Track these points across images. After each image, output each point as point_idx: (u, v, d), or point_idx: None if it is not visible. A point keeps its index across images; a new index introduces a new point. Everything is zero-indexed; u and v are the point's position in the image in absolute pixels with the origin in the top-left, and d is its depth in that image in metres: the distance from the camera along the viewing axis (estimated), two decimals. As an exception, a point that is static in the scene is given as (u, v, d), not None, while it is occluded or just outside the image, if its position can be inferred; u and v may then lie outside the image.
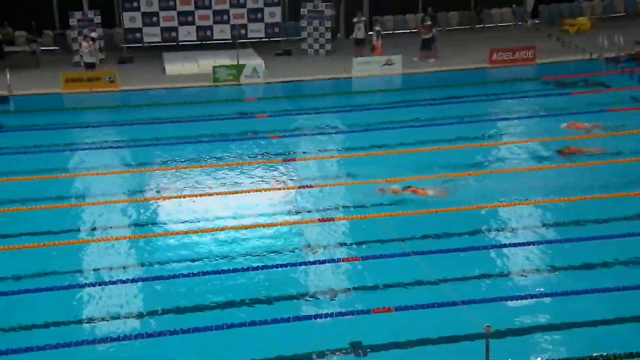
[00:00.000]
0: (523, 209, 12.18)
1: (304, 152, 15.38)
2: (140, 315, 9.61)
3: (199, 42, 22.47)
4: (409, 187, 12.66)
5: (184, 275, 10.44)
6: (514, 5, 24.23)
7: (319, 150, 15.32)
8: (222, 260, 10.90)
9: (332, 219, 12.08)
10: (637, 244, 10.86)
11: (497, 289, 9.94)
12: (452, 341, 8.84)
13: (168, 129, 16.70)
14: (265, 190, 13.33)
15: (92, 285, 10.30)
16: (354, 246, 11.27)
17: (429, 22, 21.27)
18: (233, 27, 21.88)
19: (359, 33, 21.60)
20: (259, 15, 22.44)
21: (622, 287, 9.71)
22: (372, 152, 14.96)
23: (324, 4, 22.46)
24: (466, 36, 24.06)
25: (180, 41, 22.36)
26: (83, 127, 17.11)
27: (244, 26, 22.27)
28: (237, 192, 13.21)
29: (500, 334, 8.62)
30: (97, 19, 21.51)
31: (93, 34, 20.51)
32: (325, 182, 13.55)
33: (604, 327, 9.02)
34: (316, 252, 11.13)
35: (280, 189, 13.48)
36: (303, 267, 10.70)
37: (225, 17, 22.30)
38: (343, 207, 12.58)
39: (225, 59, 20.83)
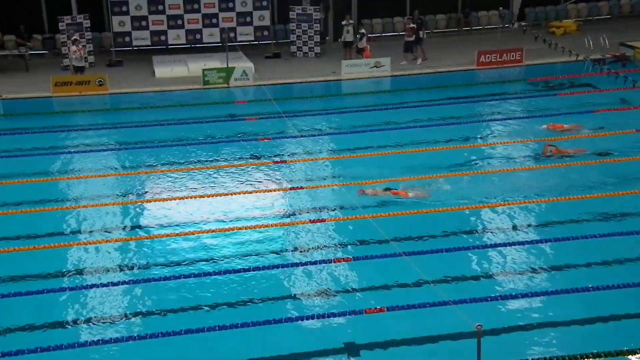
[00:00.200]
0: (508, 210, 12.32)
1: (294, 154, 15.45)
2: (130, 317, 9.63)
3: (189, 46, 22.49)
4: (389, 189, 12.79)
5: (174, 277, 10.47)
6: (500, 8, 24.45)
7: (309, 152, 15.40)
8: (212, 262, 10.94)
9: (322, 220, 12.16)
10: (619, 243, 11.00)
11: (487, 289, 10.06)
12: (444, 340, 8.95)
13: (157, 131, 16.71)
14: (255, 192, 13.40)
15: (80, 288, 10.31)
16: (345, 247, 11.36)
17: (411, 25, 21.49)
18: (222, 30, 21.92)
19: (347, 36, 21.73)
20: (248, 19, 22.50)
21: (605, 287, 9.85)
22: (361, 153, 15.07)
23: (312, 7, 22.57)
24: (454, 38, 24.26)
25: (170, 44, 22.36)
26: (73, 130, 17.08)
27: (233, 29, 22.32)
28: (227, 195, 13.25)
29: (491, 333, 8.71)
30: (87, 23, 21.46)
31: (76, 36, 20.40)
32: (316, 183, 13.64)
33: (594, 326, 9.16)
34: (307, 253, 11.20)
35: (270, 190, 13.54)
36: (294, 268, 10.77)
37: (214, 21, 22.33)
38: (333, 208, 12.67)
39: (214, 62, 20.86)
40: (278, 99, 18.80)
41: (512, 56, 21.25)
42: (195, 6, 22.14)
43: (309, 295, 10.07)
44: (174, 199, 13.13)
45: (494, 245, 11.25)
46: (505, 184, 13.35)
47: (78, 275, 10.72)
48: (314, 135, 16.40)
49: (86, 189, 13.80)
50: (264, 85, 19.97)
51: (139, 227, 12.27)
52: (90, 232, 12.03)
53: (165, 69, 20.92)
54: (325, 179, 13.96)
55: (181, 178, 14.15)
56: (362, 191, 12.89)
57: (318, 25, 22.55)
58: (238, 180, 13.99)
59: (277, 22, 23.53)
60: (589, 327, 9.19)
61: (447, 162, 14.22)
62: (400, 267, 10.55)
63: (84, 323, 9.51)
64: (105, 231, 12.02)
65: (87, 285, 10.43)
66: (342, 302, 9.86)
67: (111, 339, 9.11)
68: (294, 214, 12.53)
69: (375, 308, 9.55)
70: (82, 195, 13.56)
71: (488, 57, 21.20)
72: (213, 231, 11.84)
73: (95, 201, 13.11)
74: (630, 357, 8.46)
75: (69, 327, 9.47)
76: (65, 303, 9.99)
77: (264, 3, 22.50)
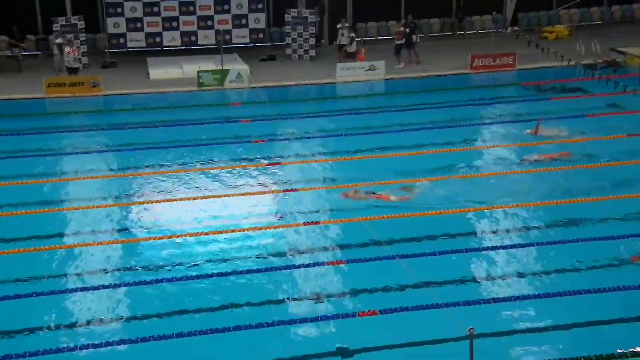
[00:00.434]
0: (498, 213, 12.38)
1: (288, 156, 15.48)
2: (123, 320, 9.62)
3: (184, 48, 22.50)
4: (372, 192, 12.85)
5: (166, 280, 10.46)
6: (494, 13, 24.61)
7: (303, 155, 15.44)
8: (206, 265, 10.94)
9: (316, 223, 12.20)
10: (604, 247, 11.06)
11: (480, 292, 10.13)
12: (436, 343, 8.99)
13: (151, 133, 16.70)
14: (249, 194, 13.41)
15: (75, 290, 10.28)
16: (339, 249, 11.40)
17: (401, 29, 21.62)
18: (218, 32, 21.95)
19: (342, 39, 21.80)
20: (244, 21, 22.53)
21: (593, 290, 9.92)
22: (355, 156, 15.12)
23: (308, 10, 22.63)
24: (448, 42, 24.38)
25: (165, 46, 22.37)
26: (66, 132, 17.03)
27: (229, 32, 22.35)
28: (221, 196, 13.26)
29: (484, 336, 8.76)
30: (81, 25, 21.44)
31: (59, 40, 20.32)
32: (310, 185, 13.68)
33: (586, 329, 9.23)
34: (301, 255, 11.23)
35: (264, 192, 13.57)
36: (287, 270, 10.78)
37: (209, 23, 22.35)
38: (327, 210, 12.71)
39: (209, 64, 20.88)
40: (273, 101, 18.85)
41: (505, 60, 21.39)
42: (191, 8, 22.16)
43: (301, 298, 10.09)
44: (168, 200, 13.13)
45: (486, 249, 11.32)
46: (495, 187, 13.44)
47: (65, 278, 10.67)
48: (308, 138, 16.44)
49: (78, 190, 13.77)
50: (258, 87, 20.00)
51: (131, 229, 12.24)
52: (84, 233, 12.00)
53: (160, 71, 20.92)
54: (319, 181, 14.01)
55: (175, 180, 14.14)
56: (346, 195, 12.93)
57: (313, 28, 22.62)
58: (232, 183, 14.00)
59: (273, 24, 23.59)
60: (583, 330, 9.25)
61: (437, 165, 14.27)
62: (393, 269, 10.59)
63: (65, 327, 9.44)
64: (97, 233, 11.99)
65: (74, 288, 10.37)
66: (335, 305, 9.88)
67: (92, 344, 9.04)
68: (287, 216, 12.56)
69: (368, 311, 9.58)
70: (75, 196, 13.53)
71: (481, 61, 21.34)
72: (206, 234, 11.84)
73: (88, 203, 13.08)
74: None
75: (51, 331, 9.40)
76: (50, 306, 9.90)
77: (260, 6, 22.56)
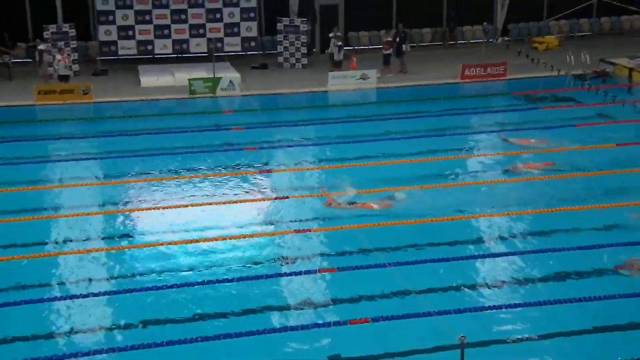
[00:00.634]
0: (486, 221, 12.43)
1: (280, 164, 15.49)
2: (116, 328, 9.55)
3: (175, 56, 22.49)
4: (354, 202, 12.84)
5: (157, 288, 10.40)
6: (485, 23, 24.80)
7: (295, 162, 15.44)
8: (197, 272, 10.89)
9: (308, 230, 12.19)
10: (585, 257, 11.10)
11: (471, 300, 10.13)
12: (427, 352, 8.98)
13: (142, 141, 16.65)
14: (241, 202, 13.38)
15: (64, 298, 10.20)
16: (330, 257, 11.38)
17: (389, 39, 21.75)
18: (210, 40, 21.97)
19: (333, 48, 21.86)
20: (236, 30, 22.57)
21: (581, 299, 9.97)
22: (346, 164, 15.14)
23: (299, 19, 22.71)
24: (439, 52, 24.52)
25: (156, 54, 22.35)
26: (56, 139, 16.96)
27: (221, 40, 22.38)
28: (213, 204, 13.23)
29: (474, 344, 8.75)
30: (72, 32, 21.40)
31: (41, 46, 20.22)
32: (301, 193, 13.66)
33: (575, 338, 9.24)
34: (292, 263, 11.20)
35: (255, 200, 13.55)
36: (279, 278, 10.76)
37: (201, 31, 22.37)
38: (319, 218, 12.69)
39: (201, 72, 20.88)
40: (264, 110, 18.85)
41: (496, 70, 21.53)
42: (183, 16, 22.18)
43: (292, 305, 10.04)
44: (159, 208, 13.07)
45: (476, 257, 11.34)
46: (484, 195, 13.49)
47: (66, 285, 10.59)
48: (300, 146, 16.45)
49: (69, 198, 13.69)
50: (250, 95, 20.01)
51: (122, 236, 12.17)
52: (74, 241, 11.92)
53: (151, 78, 20.89)
54: (310, 188, 14.00)
55: (165, 188, 14.10)
56: (329, 203, 12.93)
57: (305, 37, 22.68)
58: (223, 190, 13.97)
59: (265, 33, 23.64)
60: (572, 339, 9.26)
61: (427, 173, 14.30)
62: (384, 277, 10.58)
63: (59, 336, 9.37)
64: (87, 241, 11.93)
65: (65, 296, 10.28)
66: (327, 313, 9.85)
67: (80, 352, 8.95)
68: (278, 224, 12.54)
69: (360, 319, 9.56)
70: (65, 204, 13.45)
71: (472, 70, 21.47)
72: (197, 241, 11.80)
73: (78, 210, 13.00)
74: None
75: (30, 341, 9.28)
76: (30, 315, 9.79)
77: (252, 14, 22.61)
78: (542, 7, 25.77)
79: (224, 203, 13.29)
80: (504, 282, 10.64)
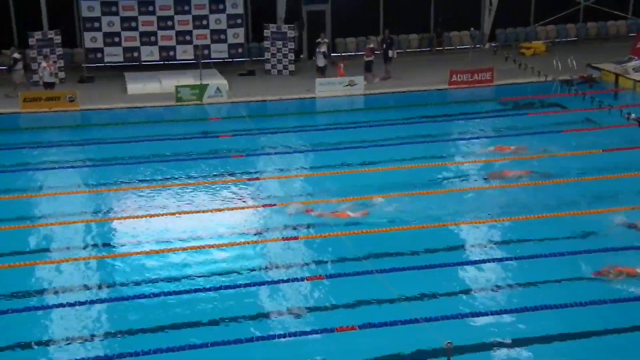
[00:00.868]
0: (474, 228, 12.42)
1: (267, 171, 15.43)
2: (103, 337, 9.46)
3: (162, 63, 22.40)
4: (335, 211, 12.82)
5: (144, 296, 10.32)
6: (472, 29, 24.90)
7: (282, 170, 15.39)
8: (183, 281, 10.81)
9: (295, 238, 12.12)
10: (562, 263, 11.09)
11: (457, 306, 10.10)
12: (415, 358, 8.95)
13: (129, 148, 16.55)
14: (228, 209, 13.31)
15: (48, 307, 10.09)
16: (318, 264, 11.32)
17: (371, 45, 21.79)
18: (196, 47, 21.90)
19: (319, 54, 21.85)
20: (222, 36, 22.53)
21: (575, 304, 9.98)
22: (334, 171, 15.10)
23: (287, 25, 22.71)
24: (426, 58, 24.59)
25: (143, 61, 22.25)
26: (42, 147, 16.81)
27: (207, 47, 22.32)
28: (200, 212, 13.15)
29: (461, 350, 8.73)
30: (57, 39, 21.27)
31: (16, 55, 19.99)
32: (289, 200, 13.60)
33: (556, 344, 9.22)
34: (279, 270, 11.14)
35: (243, 208, 13.47)
36: (266, 286, 10.69)
37: (188, 38, 22.31)
38: (306, 225, 12.64)
39: (188, 79, 20.81)
40: (252, 116, 18.80)
41: (483, 76, 21.60)
42: (169, 23, 22.11)
43: (280, 313, 9.99)
44: (145, 216, 12.97)
45: (463, 263, 11.32)
46: (473, 201, 13.48)
47: (44, 295, 10.49)
48: (288, 153, 16.40)
49: (55, 206, 13.55)
50: (238, 102, 19.95)
51: (108, 245, 12.07)
52: (59, 249, 11.81)
53: (138, 85, 20.78)
54: (297, 196, 13.94)
55: (153, 195, 14.00)
56: (310, 210, 12.88)
57: (292, 43, 22.68)
58: (210, 198, 13.90)
59: (252, 40, 23.62)
60: (559, 345, 9.25)
61: (414, 180, 14.28)
62: (372, 284, 10.54)
63: (37, 345, 9.27)
64: (73, 249, 11.81)
65: (52, 304, 10.19)
66: (314, 320, 9.80)
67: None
68: (266, 231, 12.46)
69: (347, 326, 9.50)
70: (51, 212, 13.31)
71: (460, 76, 21.52)
72: (184, 249, 11.72)
73: (64, 219, 12.88)
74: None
75: (27, 349, 9.23)
76: (29, 323, 9.73)
77: (239, 21, 22.58)
78: (529, 12, 25.94)
79: (212, 211, 13.20)
80: (489, 288, 10.61)
